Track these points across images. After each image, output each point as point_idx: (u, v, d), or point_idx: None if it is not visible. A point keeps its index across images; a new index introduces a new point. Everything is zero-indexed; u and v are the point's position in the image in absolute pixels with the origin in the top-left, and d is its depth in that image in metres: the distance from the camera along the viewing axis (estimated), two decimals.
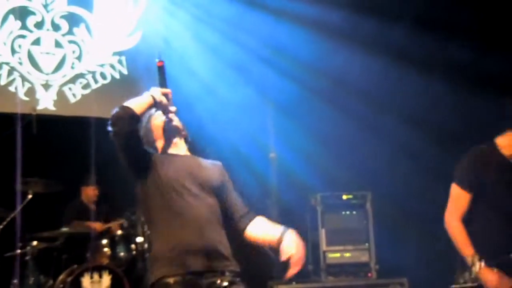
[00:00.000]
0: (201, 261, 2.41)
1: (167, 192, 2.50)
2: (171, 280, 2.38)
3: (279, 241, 2.57)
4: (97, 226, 5.65)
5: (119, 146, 2.55)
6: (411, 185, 5.66)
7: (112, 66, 6.70)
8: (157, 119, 2.74)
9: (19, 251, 5.31)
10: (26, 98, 6.19)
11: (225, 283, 2.43)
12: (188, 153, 2.77)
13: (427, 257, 5.47)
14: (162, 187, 2.51)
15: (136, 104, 2.60)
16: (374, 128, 5.79)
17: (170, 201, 2.49)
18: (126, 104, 2.60)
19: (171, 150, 2.71)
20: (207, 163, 2.75)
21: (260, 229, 2.67)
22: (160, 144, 2.73)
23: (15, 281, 5.43)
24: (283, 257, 2.51)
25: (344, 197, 5.54)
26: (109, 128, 2.56)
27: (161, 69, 2.75)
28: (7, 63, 6.17)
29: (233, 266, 2.52)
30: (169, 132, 2.71)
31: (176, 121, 2.74)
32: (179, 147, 2.73)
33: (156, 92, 2.67)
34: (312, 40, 5.95)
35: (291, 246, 2.52)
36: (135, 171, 2.62)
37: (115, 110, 2.57)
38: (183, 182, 2.53)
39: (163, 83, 2.73)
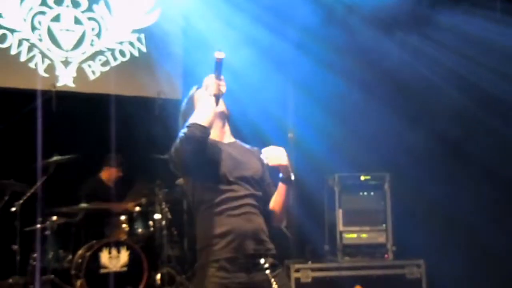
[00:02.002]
0: (250, 245, 2.50)
1: (218, 182, 2.54)
2: (224, 262, 2.47)
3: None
4: (116, 207, 5.69)
5: (186, 159, 2.50)
6: (431, 166, 5.61)
7: (131, 44, 6.70)
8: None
9: (39, 225, 5.39)
10: (46, 75, 6.23)
11: (267, 265, 2.52)
12: (233, 139, 2.76)
13: (444, 239, 5.44)
14: (213, 178, 2.54)
15: (205, 117, 2.49)
16: (394, 109, 5.72)
17: (221, 191, 2.54)
18: (195, 121, 2.46)
19: (220, 138, 2.69)
20: (251, 153, 2.75)
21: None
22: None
23: (35, 255, 5.53)
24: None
25: (362, 178, 5.51)
26: (180, 145, 2.46)
27: (219, 62, 2.56)
28: (27, 40, 6.20)
29: (273, 249, 2.61)
30: (220, 119, 2.68)
31: (225, 108, 2.72)
32: (226, 134, 2.74)
33: (214, 89, 2.55)
34: (335, 18, 5.87)
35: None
36: (190, 173, 2.61)
37: (186, 129, 2.45)
38: (232, 173, 2.57)
39: (218, 75, 2.58)
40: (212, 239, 2.51)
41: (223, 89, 2.59)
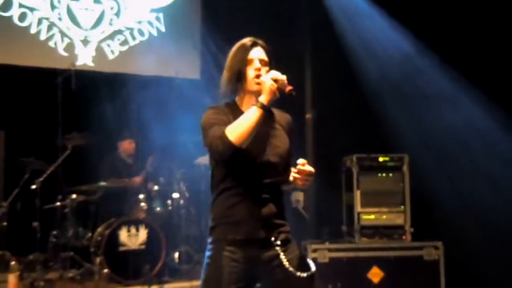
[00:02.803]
0: (261, 231, 2.48)
1: (239, 167, 2.47)
2: (234, 241, 2.46)
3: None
4: (133, 182, 5.73)
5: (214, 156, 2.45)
6: (450, 148, 5.55)
7: (150, 23, 6.70)
8: (268, 81, 2.39)
9: (58, 203, 5.45)
10: (65, 54, 6.26)
11: (278, 242, 2.49)
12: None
13: (463, 221, 5.40)
14: (238, 162, 2.45)
15: (244, 134, 2.31)
16: (414, 89, 5.65)
17: (240, 174, 2.48)
18: (229, 132, 2.31)
19: None
20: (280, 128, 2.60)
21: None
22: (247, 99, 2.53)
23: (55, 232, 5.62)
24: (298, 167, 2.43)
25: (381, 159, 5.47)
26: (207, 147, 2.38)
27: (287, 93, 2.36)
28: (46, 18, 6.22)
29: (286, 226, 2.57)
30: (256, 96, 2.46)
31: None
32: None
33: (268, 99, 2.35)
34: None
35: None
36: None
37: (216, 140, 2.33)
38: (256, 159, 2.48)
39: (280, 91, 2.37)
40: (221, 218, 2.50)
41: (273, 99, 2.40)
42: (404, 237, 5.35)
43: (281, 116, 2.64)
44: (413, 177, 5.44)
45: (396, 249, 5.26)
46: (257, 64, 2.51)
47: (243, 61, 2.51)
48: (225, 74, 2.55)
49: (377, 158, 5.48)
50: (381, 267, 5.19)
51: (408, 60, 5.73)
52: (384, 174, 5.47)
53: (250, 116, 2.34)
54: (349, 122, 5.78)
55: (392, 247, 5.27)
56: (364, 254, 5.23)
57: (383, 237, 5.36)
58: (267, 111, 2.35)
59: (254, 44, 2.55)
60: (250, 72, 2.50)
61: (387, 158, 5.48)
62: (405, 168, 5.46)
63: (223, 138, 2.31)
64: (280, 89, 2.37)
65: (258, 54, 2.53)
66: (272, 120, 2.59)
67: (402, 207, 5.41)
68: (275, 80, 2.37)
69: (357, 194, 5.41)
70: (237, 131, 2.32)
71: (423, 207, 5.45)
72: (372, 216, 5.39)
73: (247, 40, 2.57)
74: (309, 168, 2.43)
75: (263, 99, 2.35)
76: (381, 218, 5.39)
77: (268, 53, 2.57)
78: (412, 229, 5.35)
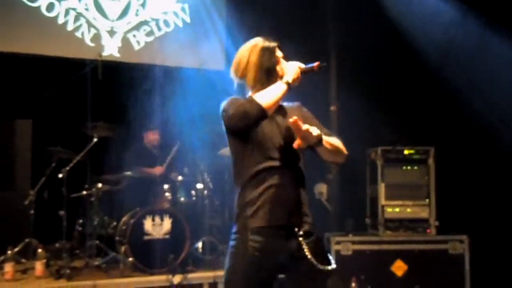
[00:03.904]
0: (284, 216, 2.51)
1: (261, 148, 2.52)
2: (258, 229, 2.49)
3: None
4: (158, 170, 5.77)
5: (234, 129, 2.48)
6: (476, 140, 5.47)
7: (175, 14, 6.72)
8: (292, 64, 2.57)
9: (85, 192, 5.52)
10: (92, 44, 6.32)
11: (301, 232, 2.52)
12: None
13: (489, 215, 5.33)
14: (257, 144, 2.52)
15: (271, 101, 2.42)
16: (439, 81, 5.58)
17: (259, 160, 2.52)
18: (259, 100, 2.40)
19: None
20: (293, 114, 2.62)
21: None
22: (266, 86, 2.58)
23: (81, 221, 5.70)
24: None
25: (406, 151, 5.43)
26: (233, 116, 2.42)
27: (315, 69, 2.54)
28: (74, 9, 6.28)
29: (309, 218, 2.59)
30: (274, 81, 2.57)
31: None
32: None
33: (292, 79, 2.49)
34: None
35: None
36: (235, 137, 2.57)
37: (243, 104, 2.41)
38: (275, 140, 2.55)
39: (304, 71, 2.54)
40: (245, 207, 2.52)
41: (297, 83, 2.53)
42: (428, 230, 5.31)
43: (291, 107, 2.72)
44: (439, 170, 5.38)
45: (421, 242, 5.23)
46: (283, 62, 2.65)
47: (274, 61, 2.62)
48: (252, 72, 2.60)
49: (402, 150, 5.44)
50: (405, 261, 5.16)
51: (440, 49, 5.65)
52: (409, 167, 5.43)
53: (275, 88, 2.49)
54: (374, 113, 5.72)
55: (416, 241, 5.24)
56: (388, 247, 5.21)
57: (407, 230, 5.33)
58: (290, 88, 2.49)
59: (278, 45, 2.67)
60: (280, 71, 2.61)
61: (412, 151, 5.43)
62: (430, 161, 5.41)
63: (252, 100, 2.42)
64: (308, 71, 2.55)
65: (280, 54, 2.67)
66: (285, 110, 2.67)
67: (427, 200, 5.36)
68: (299, 67, 2.55)
69: (382, 187, 5.38)
70: (264, 96, 2.44)
71: (448, 200, 5.38)
72: (397, 209, 5.36)
73: (270, 41, 2.67)
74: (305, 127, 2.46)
75: (288, 77, 2.51)
76: (405, 211, 5.36)
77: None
78: (437, 223, 5.31)
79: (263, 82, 2.59)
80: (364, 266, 5.14)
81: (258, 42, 2.67)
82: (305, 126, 2.43)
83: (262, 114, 2.41)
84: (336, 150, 2.62)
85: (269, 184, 2.50)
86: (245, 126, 2.44)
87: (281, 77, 2.55)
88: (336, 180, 6.05)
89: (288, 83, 2.49)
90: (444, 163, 5.41)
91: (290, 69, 2.54)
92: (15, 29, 6.01)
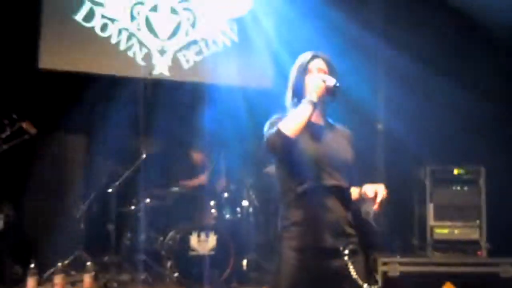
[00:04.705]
0: (328, 238, 2.51)
1: (305, 169, 2.55)
2: (300, 249, 2.50)
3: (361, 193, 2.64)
4: (200, 179, 5.82)
5: (272, 151, 2.55)
6: None
7: (224, 33, 6.82)
8: (313, 78, 2.60)
9: (133, 207, 5.63)
10: (143, 63, 6.47)
11: (347, 251, 2.52)
12: (324, 121, 2.70)
13: None
14: (301, 164, 2.54)
15: (295, 126, 2.44)
16: (490, 99, 5.46)
17: (303, 178, 2.54)
18: (282, 126, 2.44)
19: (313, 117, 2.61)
20: (342, 137, 2.71)
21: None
22: None
23: (129, 235, 5.79)
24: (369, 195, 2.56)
25: (456, 171, 5.31)
26: (268, 141, 2.49)
27: (333, 88, 2.54)
28: (126, 29, 6.46)
29: (355, 237, 2.61)
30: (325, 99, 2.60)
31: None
32: (320, 114, 2.68)
33: (317, 96, 2.52)
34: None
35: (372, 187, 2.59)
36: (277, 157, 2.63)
37: (271, 133, 2.46)
38: (317, 161, 2.56)
39: (329, 86, 2.55)
40: (289, 227, 2.53)
41: (325, 97, 2.56)
42: (479, 252, 5.16)
43: (343, 130, 2.75)
44: (491, 190, 5.24)
45: (471, 265, 5.06)
46: (315, 72, 2.63)
47: (303, 73, 2.64)
48: (289, 90, 2.66)
49: (452, 170, 5.32)
50: (455, 283, 5.00)
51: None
52: (459, 187, 5.30)
53: (299, 110, 2.50)
54: (422, 131, 5.64)
55: (466, 263, 5.07)
56: (436, 269, 5.06)
57: (457, 252, 5.19)
58: (315, 106, 2.50)
59: (314, 57, 2.68)
60: (309, 82, 2.60)
61: (462, 171, 5.31)
62: (481, 181, 5.27)
63: (279, 131, 2.43)
64: (330, 88, 2.53)
65: (317, 64, 2.66)
66: (333, 130, 2.69)
67: (478, 221, 5.22)
68: (323, 80, 2.54)
69: (430, 207, 5.27)
70: (288, 123, 2.45)
71: (500, 222, 5.22)
72: (446, 230, 5.23)
73: (307, 53, 2.71)
74: (381, 196, 2.54)
75: (312, 95, 2.52)
76: (455, 233, 5.22)
77: (328, 64, 2.67)
78: (488, 245, 5.15)
79: (295, 98, 2.64)
80: None
81: (299, 58, 2.70)
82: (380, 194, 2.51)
83: (287, 142, 2.42)
84: None
85: (313, 205, 2.51)
86: (277, 155, 2.51)
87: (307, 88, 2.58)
88: (386, 202, 5.96)
89: (312, 102, 2.49)
90: (495, 183, 5.26)
91: (313, 85, 2.54)
92: (71, 48, 6.21)
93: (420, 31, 5.74)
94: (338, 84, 2.52)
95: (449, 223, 5.24)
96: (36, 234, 5.67)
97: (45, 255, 5.30)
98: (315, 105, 2.49)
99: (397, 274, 5.07)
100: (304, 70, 2.65)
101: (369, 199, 2.56)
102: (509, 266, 4.99)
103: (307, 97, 2.52)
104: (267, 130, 2.53)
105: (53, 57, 6.08)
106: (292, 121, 2.45)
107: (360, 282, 2.45)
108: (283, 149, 2.44)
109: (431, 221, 5.25)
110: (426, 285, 5.01)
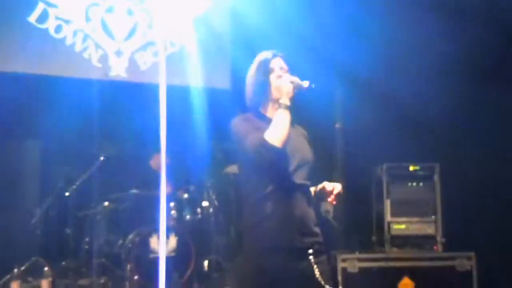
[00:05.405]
0: (296, 237, 2.53)
1: (272, 169, 2.54)
2: (267, 249, 2.51)
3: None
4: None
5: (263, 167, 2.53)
6: (482, 157, 5.47)
7: (181, 34, 6.78)
8: (283, 82, 2.60)
9: (91, 211, 5.55)
10: (99, 65, 6.39)
11: (311, 251, 2.54)
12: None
13: (496, 231, 5.30)
14: (270, 170, 2.54)
15: (280, 136, 2.46)
16: (443, 97, 5.60)
17: (271, 179, 2.55)
18: (269, 139, 2.44)
19: None
20: (302, 136, 2.75)
21: None
22: (271, 106, 2.66)
23: (87, 239, 5.71)
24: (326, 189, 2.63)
25: (411, 168, 5.43)
26: (257, 158, 2.49)
27: (304, 88, 2.57)
28: (81, 30, 6.37)
29: (320, 237, 2.63)
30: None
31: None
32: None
33: (288, 100, 2.55)
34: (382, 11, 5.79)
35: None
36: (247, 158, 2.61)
37: (258, 147, 2.46)
38: (290, 158, 2.58)
39: (296, 87, 2.58)
40: (254, 227, 2.54)
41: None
42: (435, 247, 5.28)
43: (300, 129, 2.79)
44: (446, 186, 5.37)
45: (428, 259, 5.18)
46: (278, 72, 2.66)
47: (265, 71, 2.66)
48: (249, 87, 2.67)
49: (407, 167, 5.43)
50: (412, 278, 5.11)
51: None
52: (414, 183, 5.42)
53: (280, 118, 2.51)
54: (379, 130, 5.74)
55: (423, 257, 5.19)
56: (394, 264, 5.16)
57: (414, 247, 5.29)
58: (290, 111, 2.53)
59: (274, 55, 2.71)
60: (273, 80, 2.65)
61: (417, 167, 5.43)
62: (436, 177, 5.39)
63: (265, 144, 2.44)
64: (298, 88, 2.57)
65: (279, 63, 2.69)
66: (294, 129, 2.69)
67: (433, 217, 5.34)
68: (291, 82, 2.57)
69: (387, 204, 5.37)
70: (274, 134, 2.46)
71: (455, 216, 5.36)
72: (403, 226, 5.34)
73: (267, 53, 2.73)
74: (338, 190, 2.61)
75: (285, 100, 2.54)
76: (411, 228, 5.33)
77: (287, 63, 2.72)
78: (443, 239, 5.28)
79: (258, 96, 2.67)
80: (371, 284, 5.09)
81: (257, 56, 2.73)
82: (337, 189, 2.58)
83: (278, 153, 2.45)
84: None
85: (279, 204, 2.51)
86: (267, 168, 2.49)
87: (276, 90, 2.60)
88: (342, 197, 6.04)
89: (287, 107, 2.52)
90: (450, 179, 5.40)
91: (284, 89, 2.56)
92: (23, 49, 6.08)
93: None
94: (313, 85, 2.55)
95: (405, 219, 5.35)
96: None
97: (1, 261, 5.17)
98: (289, 108, 2.53)
99: (356, 270, 5.14)
100: (266, 68, 2.66)
101: (326, 197, 2.59)
102: (465, 259, 5.13)
103: (281, 102, 2.53)
104: (243, 140, 2.52)
105: (7, 59, 5.95)
106: (277, 131, 2.46)
107: (322, 283, 2.48)
108: (275, 160, 2.45)
109: (388, 217, 5.35)
110: (385, 280, 5.11)
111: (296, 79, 2.59)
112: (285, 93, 2.55)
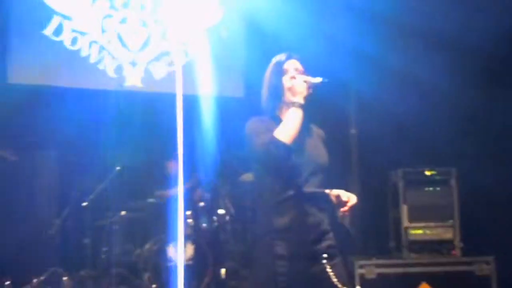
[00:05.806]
0: (308, 243, 2.54)
1: (286, 175, 2.55)
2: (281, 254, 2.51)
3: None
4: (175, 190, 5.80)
5: (271, 167, 2.55)
6: (499, 160, 5.43)
7: (195, 44, 6.83)
8: (297, 82, 2.60)
9: (108, 220, 5.58)
10: (115, 75, 6.45)
11: (325, 255, 2.54)
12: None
13: None
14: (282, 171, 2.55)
15: (290, 134, 2.46)
16: (460, 102, 5.57)
17: (285, 185, 2.55)
18: (279, 138, 2.45)
19: None
20: (317, 138, 2.73)
21: None
22: (286, 109, 2.63)
23: (105, 249, 5.74)
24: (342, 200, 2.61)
25: (427, 172, 5.40)
26: (265, 158, 2.50)
27: (317, 83, 2.59)
28: (96, 42, 6.44)
29: (333, 240, 2.63)
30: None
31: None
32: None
33: (303, 99, 2.55)
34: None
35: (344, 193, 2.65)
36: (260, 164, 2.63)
37: (267, 145, 2.46)
38: (303, 165, 2.58)
39: (310, 87, 2.59)
40: (269, 233, 2.54)
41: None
42: (453, 252, 5.24)
43: (317, 130, 2.77)
44: (463, 190, 5.33)
45: (446, 264, 5.14)
46: (292, 73, 2.64)
47: (279, 73, 2.65)
48: (265, 90, 2.66)
49: (424, 172, 5.40)
50: (431, 283, 5.08)
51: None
52: (431, 188, 5.38)
53: (292, 116, 2.51)
54: (395, 135, 5.71)
55: (441, 263, 5.15)
56: (412, 269, 5.13)
57: (432, 252, 5.26)
58: (303, 109, 2.52)
59: (288, 57, 2.70)
60: (286, 82, 2.63)
61: (434, 172, 5.40)
62: (453, 181, 5.36)
63: (274, 140, 2.44)
64: (312, 85, 2.58)
65: (293, 64, 2.68)
66: (310, 132, 2.70)
67: (451, 221, 5.30)
68: (305, 81, 2.57)
69: (404, 209, 5.34)
70: (283, 130, 2.47)
71: (473, 221, 5.32)
72: (420, 231, 5.30)
73: (282, 55, 2.72)
74: (352, 202, 2.60)
75: (299, 99, 2.54)
76: (429, 233, 5.30)
77: (304, 64, 2.70)
78: (461, 244, 5.24)
79: (272, 100, 2.67)
80: None
81: (273, 59, 2.73)
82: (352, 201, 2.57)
83: (285, 150, 2.44)
84: None
85: (294, 211, 2.52)
86: (274, 166, 2.49)
87: (289, 90, 2.59)
88: (358, 203, 6.01)
89: (301, 105, 2.52)
90: (467, 183, 5.36)
91: (298, 89, 2.56)
92: (41, 62, 6.16)
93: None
94: (326, 80, 2.56)
95: (423, 224, 5.32)
96: (11, 252, 5.58)
97: (20, 272, 5.22)
98: (302, 107, 2.53)
99: (374, 276, 5.12)
100: (280, 70, 2.66)
101: (340, 206, 2.59)
102: (484, 264, 5.08)
103: (295, 101, 2.54)
104: (254, 139, 2.54)
105: (23, 71, 6.03)
106: (287, 128, 2.48)
107: (339, 286, 2.47)
108: (282, 157, 2.45)
109: (405, 223, 5.32)
110: (403, 286, 5.07)
111: (309, 78, 2.59)
112: (299, 93, 2.55)
